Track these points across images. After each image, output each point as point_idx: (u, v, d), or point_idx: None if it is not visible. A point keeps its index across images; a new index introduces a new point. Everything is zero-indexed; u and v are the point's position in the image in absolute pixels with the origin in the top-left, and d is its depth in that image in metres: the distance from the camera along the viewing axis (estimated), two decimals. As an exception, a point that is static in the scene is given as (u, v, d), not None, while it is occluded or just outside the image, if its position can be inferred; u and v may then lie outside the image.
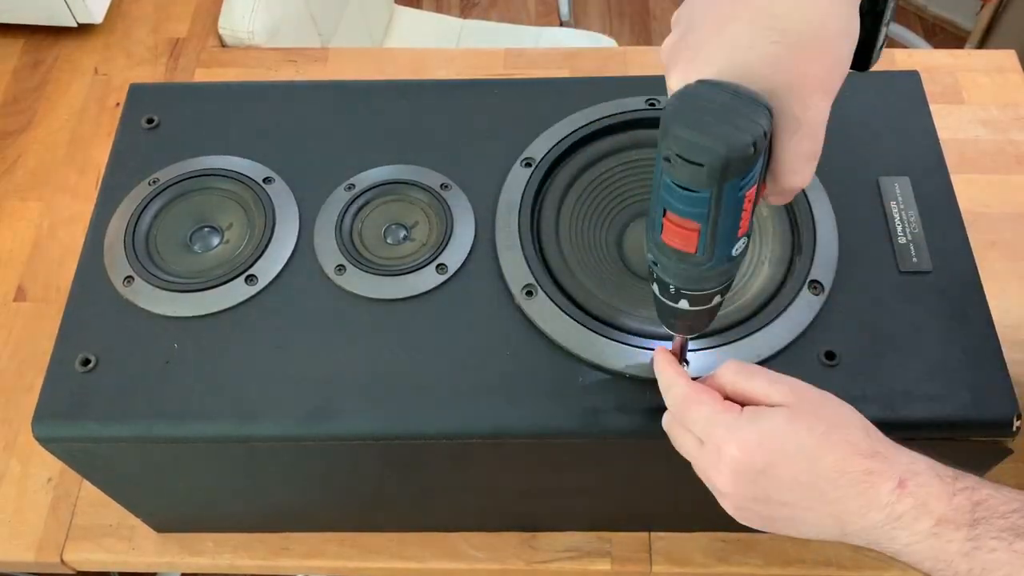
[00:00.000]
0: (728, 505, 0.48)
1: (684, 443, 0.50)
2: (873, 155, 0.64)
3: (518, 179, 0.63)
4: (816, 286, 0.58)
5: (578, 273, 0.60)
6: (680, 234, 0.42)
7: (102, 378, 0.57)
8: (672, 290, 0.46)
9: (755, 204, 0.43)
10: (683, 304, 0.46)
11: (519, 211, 0.61)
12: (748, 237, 0.44)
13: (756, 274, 0.59)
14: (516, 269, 0.59)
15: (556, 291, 0.58)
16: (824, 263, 0.59)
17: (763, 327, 0.56)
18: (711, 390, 0.48)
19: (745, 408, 0.47)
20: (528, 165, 0.63)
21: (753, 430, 0.46)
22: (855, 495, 0.44)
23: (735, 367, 0.49)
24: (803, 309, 0.57)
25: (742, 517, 0.48)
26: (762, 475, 0.46)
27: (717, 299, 0.47)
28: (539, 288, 0.58)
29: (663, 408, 0.52)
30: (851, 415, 0.47)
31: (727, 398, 0.48)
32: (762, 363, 0.56)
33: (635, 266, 0.62)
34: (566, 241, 0.61)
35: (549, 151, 0.64)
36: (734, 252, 0.44)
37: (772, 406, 0.47)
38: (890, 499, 0.43)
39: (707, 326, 0.49)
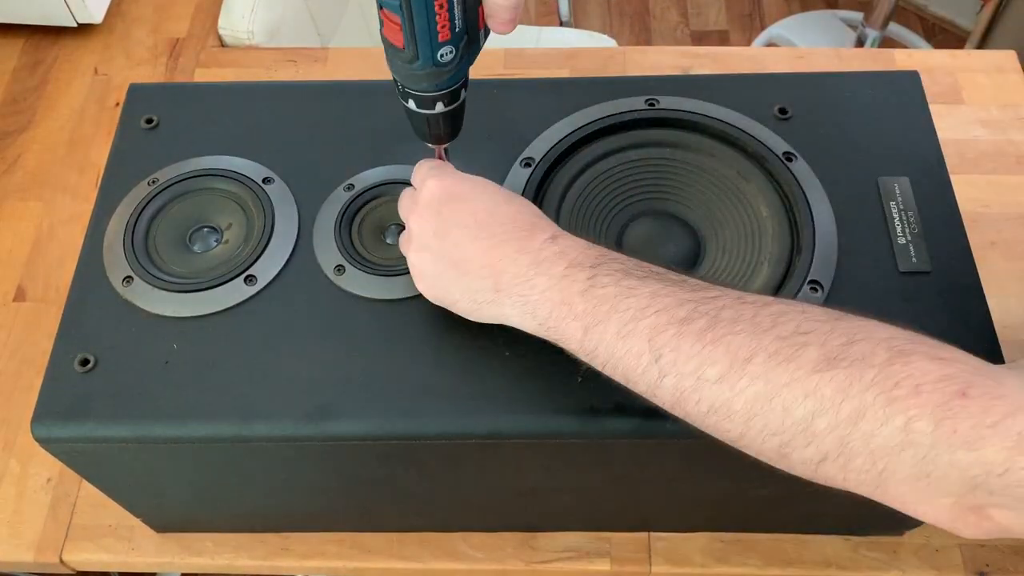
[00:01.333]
0: (412, 249, 0.54)
1: (401, 198, 0.57)
2: (873, 155, 0.64)
3: (518, 179, 0.63)
4: (816, 286, 0.58)
5: None
6: (390, 28, 0.48)
7: (101, 378, 0.57)
8: (400, 88, 0.53)
9: (454, 11, 0.48)
10: (411, 104, 0.53)
11: None
12: (456, 48, 0.50)
13: (755, 274, 0.59)
14: (515, 269, 0.59)
15: None
16: (823, 263, 0.59)
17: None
18: None
19: None
20: (528, 165, 0.63)
21: (450, 173, 0.54)
22: (515, 239, 0.50)
23: (430, 166, 0.56)
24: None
25: (419, 265, 0.54)
26: (448, 204, 0.52)
27: (440, 106, 0.53)
28: None
29: (663, 409, 0.52)
30: (514, 199, 0.54)
31: None
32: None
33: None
34: None
35: (549, 151, 0.64)
36: (439, 57, 0.49)
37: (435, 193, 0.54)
38: (540, 247, 0.49)
39: (446, 136, 0.56)
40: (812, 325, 0.42)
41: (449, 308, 0.54)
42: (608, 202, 0.64)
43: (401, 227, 0.63)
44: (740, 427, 0.43)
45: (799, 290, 0.57)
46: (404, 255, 0.55)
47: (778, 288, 0.58)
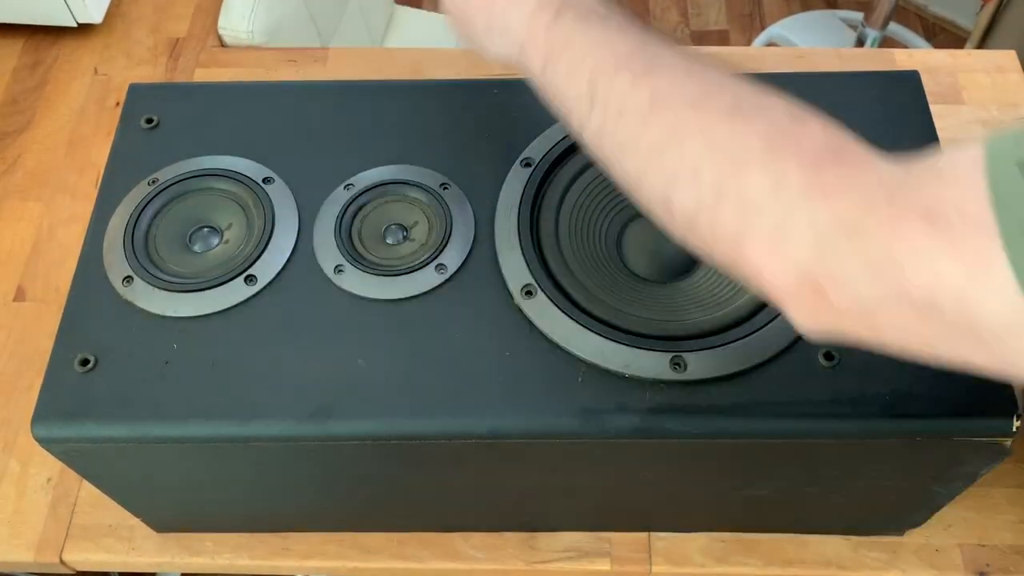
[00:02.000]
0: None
1: None
2: (873, 155, 0.64)
3: (518, 179, 0.63)
4: (816, 286, 0.58)
5: (577, 273, 0.60)
6: None
7: (101, 378, 0.57)
8: None
9: None
10: None
11: (519, 211, 0.61)
12: None
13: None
14: (515, 269, 0.59)
15: (555, 291, 0.58)
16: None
17: (762, 327, 0.56)
18: None
19: None
20: (528, 165, 0.63)
21: None
22: None
23: None
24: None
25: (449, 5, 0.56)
26: None
27: None
28: (538, 288, 0.58)
29: (663, 408, 0.52)
30: None
31: None
32: (762, 364, 0.56)
33: (634, 266, 0.62)
34: (565, 241, 0.61)
35: (549, 151, 0.64)
36: None
37: None
38: None
39: None
40: (732, 82, 0.45)
41: (474, 47, 0.57)
42: (608, 202, 0.64)
43: (401, 227, 0.63)
44: (642, 164, 0.45)
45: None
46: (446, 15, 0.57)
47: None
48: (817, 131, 0.42)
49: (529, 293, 0.58)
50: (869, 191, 0.39)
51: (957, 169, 0.37)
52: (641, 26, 0.49)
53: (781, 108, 0.43)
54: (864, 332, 0.41)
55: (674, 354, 0.55)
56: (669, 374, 0.55)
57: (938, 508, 0.67)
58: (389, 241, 0.62)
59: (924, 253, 0.36)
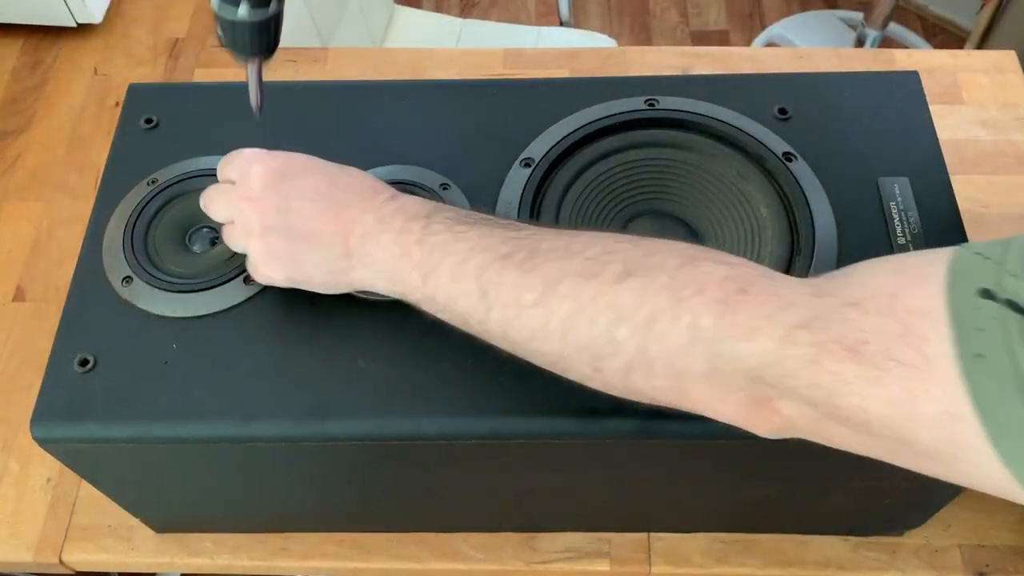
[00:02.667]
0: (255, 235, 0.53)
1: (216, 195, 0.55)
2: (873, 155, 0.64)
3: (518, 179, 0.63)
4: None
5: None
6: None
7: (101, 378, 0.57)
8: None
9: None
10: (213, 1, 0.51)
11: (518, 210, 0.61)
12: None
13: (755, 274, 0.59)
14: (515, 269, 0.59)
15: None
16: (823, 264, 0.59)
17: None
18: None
19: None
20: (527, 165, 0.63)
21: (282, 154, 0.54)
22: (359, 201, 0.51)
23: (243, 156, 0.55)
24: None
25: (266, 248, 0.53)
26: (286, 181, 0.52)
27: (244, 8, 0.52)
28: None
29: (663, 407, 0.52)
30: (352, 172, 0.55)
31: None
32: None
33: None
34: None
35: (548, 151, 0.64)
36: None
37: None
38: (382, 204, 0.51)
39: (253, 47, 0.55)
40: (618, 246, 0.45)
41: (304, 286, 0.55)
42: (608, 202, 0.64)
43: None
44: (557, 347, 0.45)
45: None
46: (236, 249, 0.55)
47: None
48: (715, 272, 0.42)
49: None
50: (785, 325, 0.39)
51: (877, 299, 0.38)
52: (507, 220, 0.50)
53: (673, 257, 0.43)
54: (820, 439, 0.43)
55: None
56: None
57: (938, 508, 0.67)
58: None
59: (852, 383, 0.37)
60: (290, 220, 0.52)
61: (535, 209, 0.62)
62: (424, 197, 0.60)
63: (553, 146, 0.64)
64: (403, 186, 0.63)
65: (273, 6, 0.52)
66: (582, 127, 0.65)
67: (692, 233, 0.63)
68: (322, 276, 0.53)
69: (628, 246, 0.45)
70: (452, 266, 0.47)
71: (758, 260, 0.60)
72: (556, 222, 0.62)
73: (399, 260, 0.50)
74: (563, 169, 0.64)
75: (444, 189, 0.63)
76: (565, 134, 0.64)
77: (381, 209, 0.51)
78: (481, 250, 0.47)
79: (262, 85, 0.57)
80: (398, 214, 0.50)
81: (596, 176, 0.64)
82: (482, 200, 0.62)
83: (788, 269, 0.59)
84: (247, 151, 0.55)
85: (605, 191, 0.64)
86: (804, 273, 0.58)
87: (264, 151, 0.55)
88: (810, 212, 0.60)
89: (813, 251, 0.59)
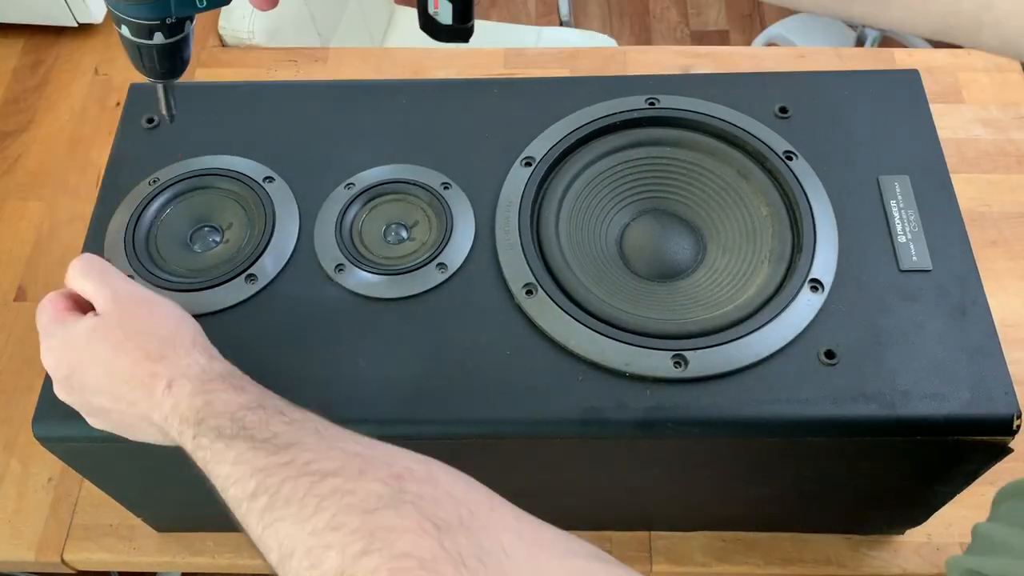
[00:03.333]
0: (57, 379, 0.53)
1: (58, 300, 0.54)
2: (873, 154, 0.64)
3: (518, 178, 0.63)
4: (816, 285, 0.58)
5: (578, 272, 0.60)
6: None
7: (102, 377, 0.57)
8: (113, 11, 0.50)
9: None
10: (125, 31, 0.50)
11: (519, 209, 0.61)
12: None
13: (756, 273, 0.59)
14: (516, 268, 0.59)
15: (556, 290, 0.58)
16: (824, 262, 0.59)
17: (763, 326, 0.56)
18: (67, 294, 0.54)
19: (68, 314, 0.52)
20: (528, 164, 0.63)
21: (59, 339, 0.51)
22: (143, 396, 0.49)
23: (80, 265, 0.53)
24: (803, 308, 0.57)
25: (68, 397, 0.53)
26: (69, 379, 0.51)
27: (159, 37, 0.50)
28: (539, 287, 0.58)
29: (664, 406, 0.52)
30: (161, 322, 0.51)
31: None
32: (761, 362, 0.56)
33: (635, 265, 0.62)
34: (566, 240, 0.61)
35: (549, 150, 0.64)
36: None
37: (96, 312, 0.52)
38: (161, 398, 0.49)
39: (164, 72, 0.53)
40: (345, 518, 0.41)
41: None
42: (609, 201, 0.64)
43: (401, 226, 0.63)
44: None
45: (800, 289, 0.57)
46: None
47: (779, 287, 0.58)
48: None
49: (530, 292, 0.58)
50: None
51: None
52: (275, 425, 0.47)
53: (381, 566, 0.39)
54: None
55: (675, 352, 0.55)
56: (670, 372, 0.55)
57: (939, 507, 0.67)
58: (390, 240, 0.62)
59: None
60: (95, 409, 0.52)
61: (536, 208, 0.62)
62: (427, 188, 0.59)
63: (554, 145, 0.64)
64: (401, 185, 0.64)
65: (186, 28, 0.52)
66: (583, 126, 0.65)
67: (693, 232, 0.63)
68: (141, 438, 0.53)
69: (354, 520, 0.41)
70: (216, 488, 0.47)
71: (759, 259, 0.60)
72: (557, 221, 0.61)
73: (193, 457, 0.49)
74: (564, 168, 0.64)
75: (445, 188, 0.63)
76: (565, 133, 0.64)
77: (161, 406, 0.49)
78: (233, 481, 0.46)
79: (170, 98, 0.57)
80: (175, 415, 0.49)
81: (597, 175, 0.64)
82: (483, 199, 0.63)
83: (789, 267, 0.59)
84: (48, 315, 0.53)
85: (606, 190, 0.64)
86: (805, 271, 0.58)
87: (50, 326, 0.52)
88: (811, 210, 0.60)
89: (814, 250, 0.59)
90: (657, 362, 0.55)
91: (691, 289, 0.61)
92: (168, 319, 0.52)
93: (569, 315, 0.57)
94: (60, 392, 0.53)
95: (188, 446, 0.48)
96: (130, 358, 0.50)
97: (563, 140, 0.64)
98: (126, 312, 0.51)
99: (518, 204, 0.62)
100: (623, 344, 0.56)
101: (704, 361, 0.55)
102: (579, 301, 0.58)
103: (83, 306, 0.53)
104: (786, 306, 0.57)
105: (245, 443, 0.46)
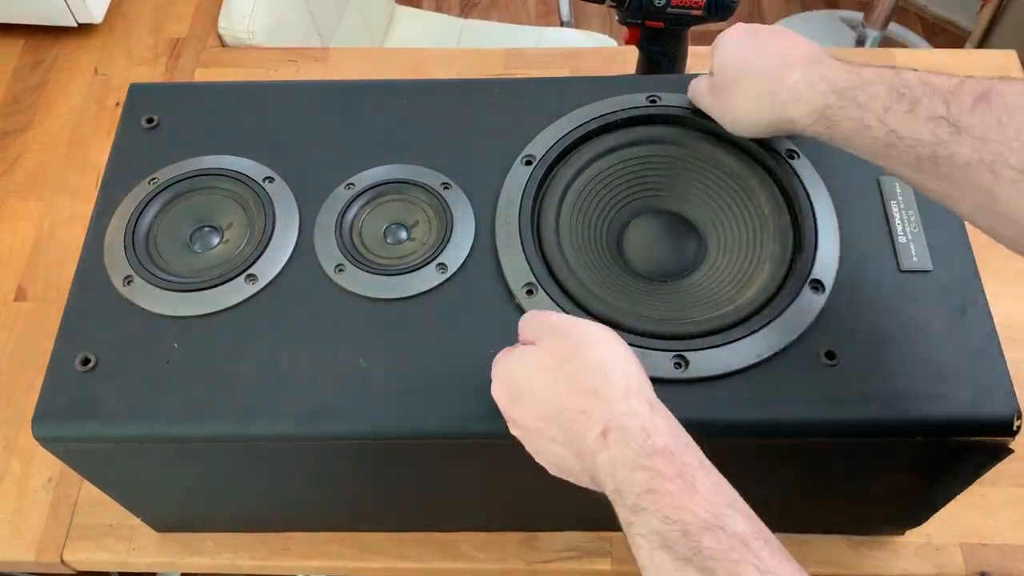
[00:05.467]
0: (519, 435, 0.51)
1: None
2: (873, 154, 0.64)
3: (518, 177, 0.63)
4: (817, 285, 0.58)
5: (578, 271, 0.60)
6: None
7: (102, 378, 0.57)
8: None
9: None
10: None
11: (519, 209, 0.61)
12: None
13: (757, 272, 0.59)
14: (516, 267, 0.59)
15: (557, 290, 0.58)
16: (825, 262, 0.58)
17: (764, 326, 0.56)
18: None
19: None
20: (529, 163, 0.63)
21: (501, 367, 0.51)
22: (574, 433, 0.46)
23: (527, 316, 0.52)
24: (804, 309, 0.57)
25: (534, 451, 0.50)
26: (516, 403, 0.49)
27: None
28: (539, 287, 0.58)
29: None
30: (595, 347, 0.47)
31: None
32: (762, 363, 0.56)
33: (635, 265, 0.62)
34: (566, 239, 0.61)
35: (550, 148, 0.64)
36: None
37: (528, 343, 0.50)
38: (594, 447, 0.45)
39: None
40: None
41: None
42: (609, 200, 0.64)
43: (401, 226, 0.63)
44: None
45: (800, 290, 0.57)
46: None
47: (779, 288, 0.58)
48: None
49: (530, 292, 0.58)
50: None
51: None
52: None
53: None
54: None
55: (676, 352, 0.55)
56: (671, 372, 0.55)
57: (939, 507, 0.67)
58: (389, 241, 0.62)
59: None
60: (535, 437, 0.49)
61: (536, 207, 0.62)
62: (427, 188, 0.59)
63: (555, 143, 0.64)
64: (401, 185, 0.63)
65: None
66: (583, 124, 0.65)
67: (694, 231, 0.63)
68: (566, 470, 0.49)
69: None
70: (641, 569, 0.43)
71: (760, 258, 0.60)
72: (557, 220, 0.61)
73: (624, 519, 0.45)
74: (564, 166, 0.64)
75: (445, 188, 0.63)
76: (566, 131, 0.64)
77: (595, 456, 0.45)
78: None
79: None
80: (609, 475, 0.45)
81: (598, 173, 0.64)
82: (483, 199, 0.62)
83: (790, 267, 0.59)
84: (531, 329, 0.51)
85: (606, 188, 0.64)
86: (806, 272, 0.58)
87: (499, 355, 0.51)
88: (812, 210, 0.60)
89: (815, 250, 0.59)
90: (658, 362, 0.55)
91: (691, 289, 0.61)
92: (588, 338, 0.48)
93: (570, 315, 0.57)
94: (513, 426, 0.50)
95: (620, 517, 0.44)
96: (561, 386, 0.47)
97: (564, 138, 0.64)
98: (555, 336, 0.49)
99: (518, 203, 0.62)
100: (623, 344, 0.56)
101: (705, 361, 0.55)
102: (579, 301, 0.58)
103: None
104: (786, 307, 0.57)
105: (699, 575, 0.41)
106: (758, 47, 0.57)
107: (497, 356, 0.52)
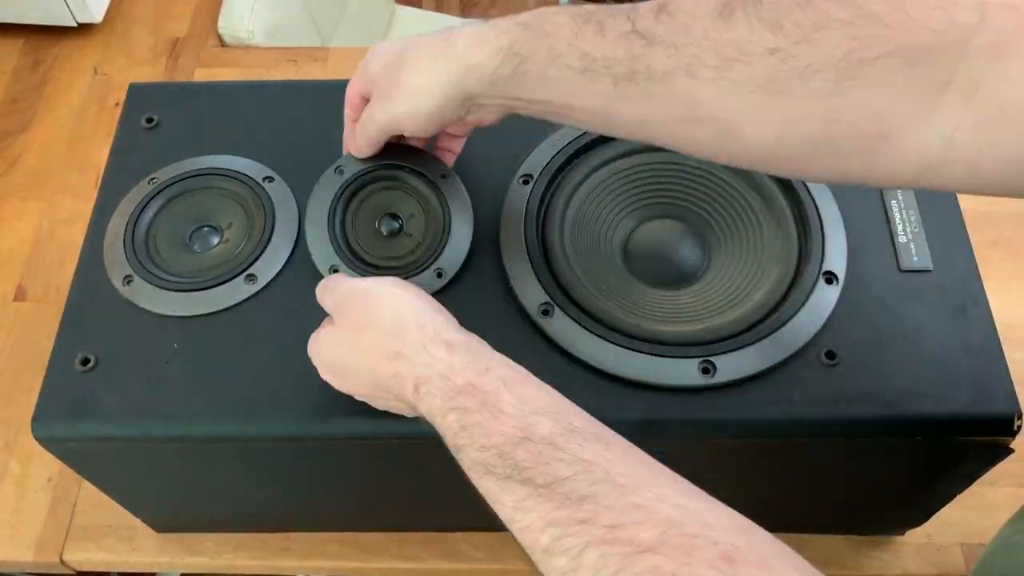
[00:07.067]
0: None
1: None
2: (874, 154, 0.64)
3: (518, 196, 0.62)
4: (831, 278, 0.57)
5: (590, 286, 0.58)
6: None
7: (102, 378, 0.57)
8: None
9: None
10: None
11: (524, 229, 0.60)
12: None
13: (764, 275, 0.59)
14: (530, 289, 0.58)
15: (573, 308, 0.57)
16: (835, 255, 0.58)
17: (779, 328, 0.56)
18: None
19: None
20: (526, 182, 0.62)
21: (314, 353, 0.53)
22: (398, 395, 0.48)
23: (320, 287, 0.54)
24: (820, 306, 0.57)
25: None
26: (344, 380, 0.52)
27: None
28: (555, 306, 0.57)
29: (666, 406, 0.52)
30: (383, 311, 0.49)
31: None
32: (775, 367, 0.55)
33: (642, 274, 0.62)
34: (572, 254, 0.60)
35: (546, 165, 0.62)
36: None
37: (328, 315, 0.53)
38: (415, 402, 0.47)
39: None
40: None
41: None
42: (611, 211, 0.63)
43: (396, 218, 0.62)
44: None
45: (814, 286, 0.57)
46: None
47: (790, 287, 0.58)
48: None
49: (546, 312, 0.57)
50: None
51: None
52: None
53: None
54: None
55: (703, 359, 0.55)
56: (699, 379, 0.55)
57: (939, 507, 0.67)
58: (385, 235, 0.61)
59: None
60: (362, 393, 0.52)
61: (539, 224, 0.61)
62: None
63: (551, 159, 0.63)
64: (399, 171, 0.63)
65: None
66: (579, 136, 0.63)
67: (698, 236, 0.63)
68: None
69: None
70: (493, 506, 0.45)
71: (765, 260, 0.60)
72: (562, 236, 0.60)
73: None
74: (563, 181, 0.62)
75: (443, 178, 0.62)
76: (562, 146, 0.63)
77: (416, 409, 0.48)
78: (519, 528, 0.42)
79: None
80: (432, 420, 0.47)
81: (597, 185, 0.63)
82: (483, 200, 0.62)
83: (797, 270, 0.59)
84: (329, 294, 0.53)
85: (607, 199, 0.63)
86: (818, 266, 0.58)
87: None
88: (817, 211, 0.60)
89: (823, 250, 0.58)
90: (685, 370, 0.55)
91: (700, 295, 0.60)
92: (383, 303, 0.50)
93: (591, 332, 0.56)
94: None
95: (455, 456, 0.46)
96: (371, 358, 0.49)
97: (560, 152, 0.63)
98: (351, 309, 0.51)
99: (522, 223, 0.60)
100: (649, 356, 0.55)
101: (731, 365, 0.55)
102: (599, 317, 0.57)
103: None
104: (802, 305, 0.57)
105: (523, 488, 0.42)
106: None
107: (309, 341, 0.53)
